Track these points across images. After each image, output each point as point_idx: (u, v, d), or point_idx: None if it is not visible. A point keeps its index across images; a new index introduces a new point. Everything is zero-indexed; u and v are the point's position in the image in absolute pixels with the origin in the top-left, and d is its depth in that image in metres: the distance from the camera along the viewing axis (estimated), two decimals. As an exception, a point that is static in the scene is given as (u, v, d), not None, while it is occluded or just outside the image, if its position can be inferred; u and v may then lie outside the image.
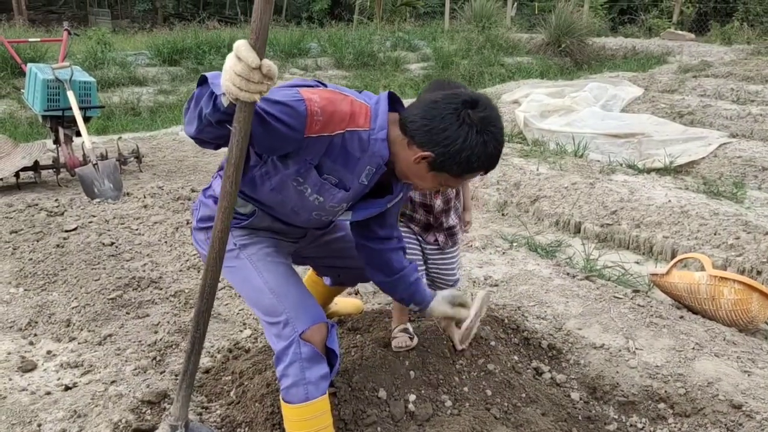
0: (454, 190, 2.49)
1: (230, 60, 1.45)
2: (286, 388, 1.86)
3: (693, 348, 2.66)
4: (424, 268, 2.66)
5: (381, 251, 2.18)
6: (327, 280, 2.63)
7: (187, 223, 4.24)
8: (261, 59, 1.45)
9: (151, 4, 21.82)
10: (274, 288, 1.90)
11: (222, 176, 1.99)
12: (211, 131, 1.63)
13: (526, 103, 7.57)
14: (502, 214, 4.86)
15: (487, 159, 1.76)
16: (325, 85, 1.82)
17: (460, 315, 2.34)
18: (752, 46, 13.44)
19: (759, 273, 3.44)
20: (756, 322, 2.97)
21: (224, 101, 1.52)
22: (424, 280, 2.62)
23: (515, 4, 19.49)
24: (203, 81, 1.60)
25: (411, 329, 2.62)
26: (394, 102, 1.85)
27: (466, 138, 1.70)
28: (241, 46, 1.43)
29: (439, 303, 2.33)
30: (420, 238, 2.60)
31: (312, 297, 1.98)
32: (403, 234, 2.52)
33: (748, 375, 2.48)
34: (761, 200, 4.52)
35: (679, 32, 15.89)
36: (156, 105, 8.94)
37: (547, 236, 4.34)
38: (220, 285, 3.39)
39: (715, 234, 3.80)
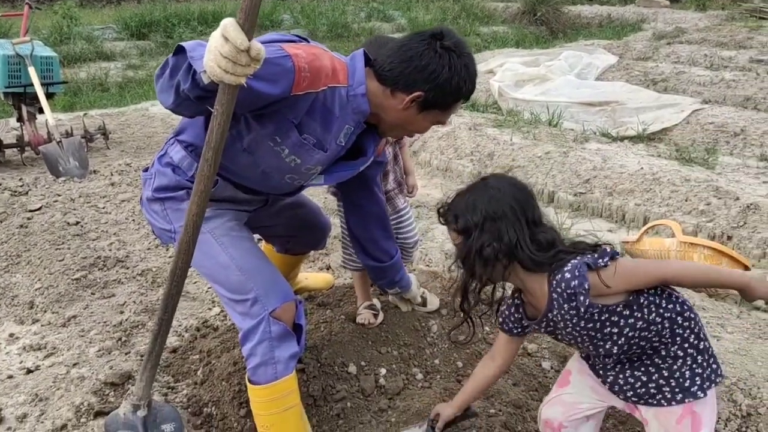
0: (390, 154, 2.41)
1: (216, 40, 1.34)
2: (254, 367, 1.78)
3: (663, 314, 2.66)
4: None
5: (372, 234, 2.21)
6: (276, 248, 2.56)
7: (156, 201, 4.15)
8: (250, 41, 1.35)
9: (120, -24, 21.19)
10: (242, 265, 1.82)
11: (180, 142, 1.92)
12: (190, 106, 1.55)
13: (501, 72, 7.51)
14: (477, 185, 4.82)
15: (471, 80, 1.77)
16: (306, 41, 1.76)
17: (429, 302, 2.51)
18: (726, 11, 13.45)
19: (729, 238, 3.46)
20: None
21: (204, 78, 1.42)
22: None
23: (491, -28, 19.27)
24: (180, 50, 1.49)
25: (378, 305, 2.59)
26: (367, 58, 1.81)
27: (450, 65, 1.71)
28: (229, 25, 1.32)
29: (416, 286, 2.50)
30: None
31: (280, 274, 1.91)
32: (338, 207, 2.50)
33: (717, 340, 2.49)
34: (732, 166, 4.53)
35: (654, -1, 15.83)
36: (125, 80, 8.72)
37: (521, 206, 4.32)
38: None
39: (686, 200, 3.80)
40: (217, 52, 1.34)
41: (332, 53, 1.77)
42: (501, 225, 1.55)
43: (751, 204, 3.58)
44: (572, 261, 1.51)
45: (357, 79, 1.75)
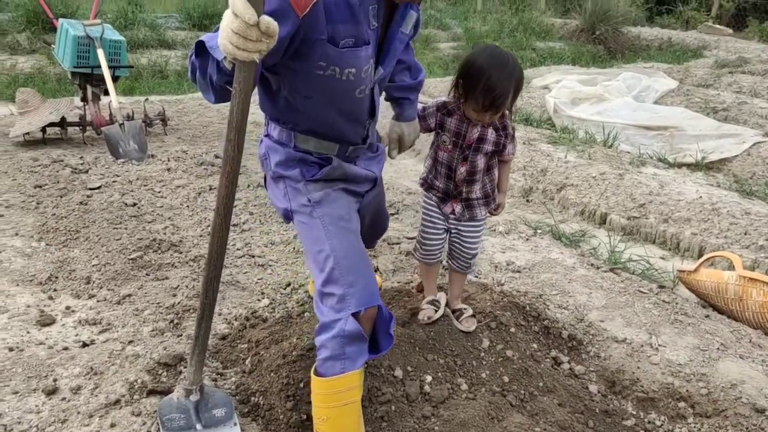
0: (482, 162, 2.38)
1: (227, 17, 1.39)
2: (323, 359, 1.80)
3: (717, 348, 2.60)
4: (443, 239, 2.56)
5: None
6: None
7: (210, 189, 4.22)
8: (259, 15, 1.38)
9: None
10: (340, 259, 1.83)
11: (271, 120, 1.96)
12: (230, 94, 1.59)
13: (557, 89, 7.43)
14: (527, 201, 4.79)
15: None
16: None
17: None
18: (792, 44, 13.09)
19: (789, 276, 3.35)
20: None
21: (227, 64, 1.47)
22: (445, 249, 2.57)
23: (551, -13, 19.13)
24: (200, 49, 1.54)
25: (442, 301, 2.58)
26: None
27: None
28: (238, 2, 1.36)
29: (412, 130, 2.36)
30: (438, 209, 2.49)
31: (373, 276, 1.93)
32: (425, 202, 2.49)
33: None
34: (794, 202, 4.40)
35: (717, 26, 15.51)
36: (183, 69, 8.89)
37: (572, 225, 4.27)
38: (239, 252, 3.39)
39: (745, 234, 3.71)
40: (229, 29, 1.38)
41: None
42: None
43: (814, 243, 3.47)
44: None
45: None
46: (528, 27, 13.03)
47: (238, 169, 1.70)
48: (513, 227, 3.94)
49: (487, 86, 2.11)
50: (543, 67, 10.13)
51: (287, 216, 2.00)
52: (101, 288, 2.94)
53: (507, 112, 2.33)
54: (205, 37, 1.56)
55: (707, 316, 2.87)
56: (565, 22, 14.45)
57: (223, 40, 1.40)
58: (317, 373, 1.83)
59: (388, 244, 3.57)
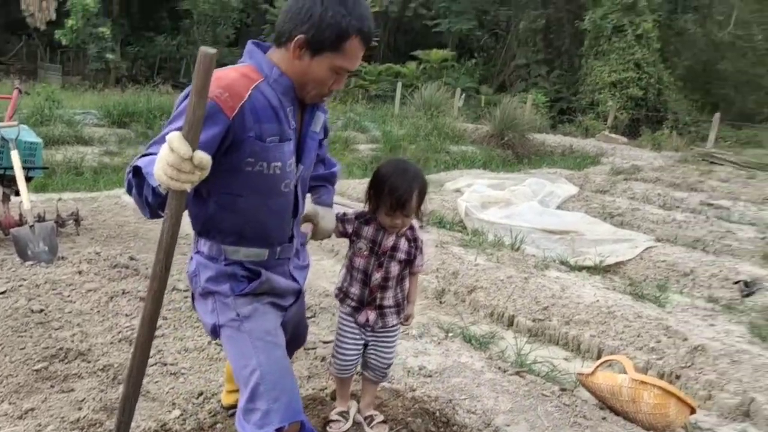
0: (395, 270, 2.52)
1: (163, 150, 1.53)
2: None
3: (614, 450, 2.75)
4: (359, 353, 2.64)
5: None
6: None
7: (124, 293, 4.16)
8: (193, 150, 1.52)
9: (105, 63, 21.78)
10: (266, 374, 1.88)
11: (199, 234, 2.05)
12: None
13: (468, 192, 7.86)
14: (440, 302, 4.96)
15: (351, 14, 1.81)
16: None
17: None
18: (680, 153, 14.41)
19: (678, 377, 3.62)
20: (673, 427, 3.11)
21: (162, 190, 1.60)
22: (360, 362, 2.65)
23: (463, 95, 20.43)
24: (137, 171, 1.67)
25: (351, 410, 2.64)
26: (260, 46, 1.95)
27: (322, 1, 1.79)
28: (174, 138, 1.51)
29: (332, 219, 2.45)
30: (353, 321, 2.58)
31: (297, 390, 1.98)
32: (340, 316, 2.58)
33: None
34: (682, 305, 4.78)
35: (613, 135, 16.91)
36: (100, 166, 8.85)
37: (482, 327, 4.45)
38: (151, 360, 3.33)
39: (638, 336, 3.99)
40: (164, 161, 1.52)
41: (230, 66, 1.90)
42: None
43: (698, 345, 3.78)
44: None
45: (266, 66, 1.89)
46: (442, 131, 13.81)
47: (164, 288, 1.76)
48: (426, 330, 4.07)
49: (391, 188, 2.32)
50: (456, 170, 10.69)
51: (215, 331, 2.03)
52: (2, 402, 2.82)
53: (417, 225, 2.52)
54: (141, 161, 1.66)
55: (604, 418, 3.04)
56: (476, 127, 15.40)
57: (158, 170, 1.53)
58: None
59: (304, 349, 3.61)
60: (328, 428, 2.59)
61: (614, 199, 8.25)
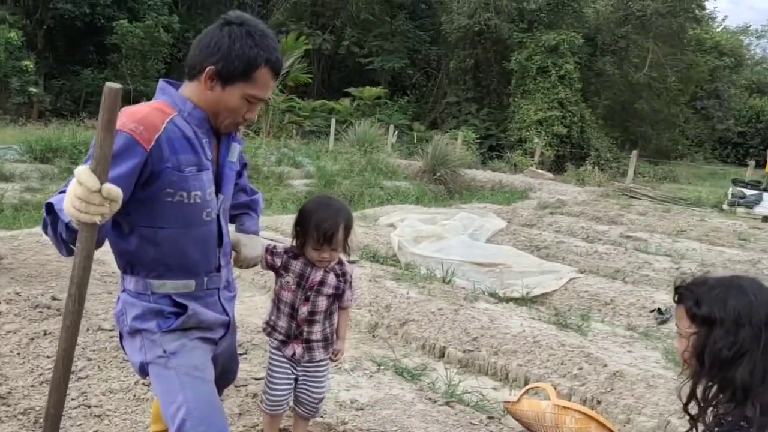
0: (323, 304, 2.53)
1: (72, 184, 1.56)
2: None
3: (538, 475, 2.84)
4: (290, 388, 2.64)
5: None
6: None
7: (45, 334, 4.02)
8: (102, 183, 1.56)
9: (28, 97, 21.11)
10: (192, 410, 1.88)
11: (124, 272, 2.04)
12: None
13: (401, 227, 8.00)
14: (373, 336, 5.01)
15: (259, 45, 1.87)
16: None
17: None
18: (602, 188, 15.10)
19: (599, 402, 3.77)
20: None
21: (75, 224, 1.62)
22: (291, 398, 2.66)
23: (396, 131, 20.83)
24: (50, 208, 1.68)
25: None
26: (171, 84, 2.01)
27: (230, 34, 1.86)
28: (82, 171, 1.55)
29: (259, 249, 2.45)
30: (283, 356, 2.58)
31: (226, 426, 1.97)
32: (270, 351, 2.60)
33: None
34: (603, 333, 4.99)
35: (540, 171, 17.56)
36: (21, 203, 8.54)
37: (414, 359, 4.52)
38: (74, 403, 3.23)
39: (561, 364, 4.14)
40: (73, 195, 1.55)
41: (144, 102, 1.95)
42: (744, 333, 1.48)
43: (617, 371, 3.96)
44: None
45: (179, 101, 1.94)
46: (376, 167, 14.01)
47: (79, 322, 1.75)
48: (358, 364, 4.11)
49: (317, 222, 2.38)
50: (389, 205, 10.84)
51: (143, 370, 2.02)
52: None
53: (345, 259, 2.58)
54: (53, 199, 1.68)
55: (530, 444, 3.14)
56: (409, 163, 15.70)
57: (68, 204, 1.55)
58: None
59: (235, 386, 3.57)
60: None
61: (540, 233, 8.56)
